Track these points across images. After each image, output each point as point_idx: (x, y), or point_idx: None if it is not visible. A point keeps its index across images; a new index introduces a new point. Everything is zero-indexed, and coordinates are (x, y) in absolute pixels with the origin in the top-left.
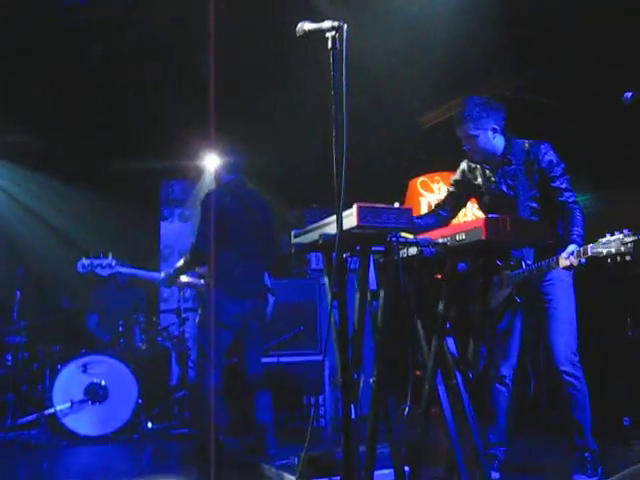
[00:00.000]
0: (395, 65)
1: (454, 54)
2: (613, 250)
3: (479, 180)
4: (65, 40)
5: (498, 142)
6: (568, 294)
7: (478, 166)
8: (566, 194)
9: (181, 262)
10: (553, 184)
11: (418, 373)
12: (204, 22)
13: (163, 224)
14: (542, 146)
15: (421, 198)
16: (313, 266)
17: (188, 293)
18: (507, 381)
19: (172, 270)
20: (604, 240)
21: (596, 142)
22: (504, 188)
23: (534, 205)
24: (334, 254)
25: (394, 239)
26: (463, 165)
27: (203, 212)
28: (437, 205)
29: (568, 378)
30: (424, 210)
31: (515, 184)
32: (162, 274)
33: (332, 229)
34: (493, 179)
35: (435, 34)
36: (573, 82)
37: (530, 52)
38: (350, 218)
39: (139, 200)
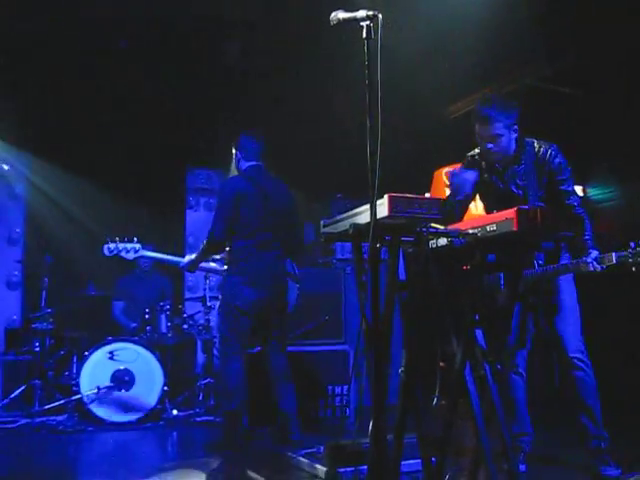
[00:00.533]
0: (422, 55)
1: (481, 45)
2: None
3: (485, 177)
4: (87, 27)
5: (514, 141)
6: (571, 285)
7: (483, 163)
8: (572, 197)
9: (200, 249)
10: (561, 187)
11: (442, 364)
12: (231, 7)
13: (189, 212)
14: (551, 148)
15: (446, 188)
16: (338, 255)
17: (214, 281)
18: (520, 370)
19: (194, 256)
20: (630, 250)
21: (620, 134)
22: (513, 187)
23: (542, 205)
24: (364, 244)
25: (425, 230)
26: (467, 163)
27: (220, 200)
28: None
29: (580, 364)
30: None
31: (525, 184)
32: (185, 259)
33: (362, 219)
34: (503, 178)
35: (463, 24)
36: (600, 73)
37: (558, 42)
38: (381, 208)
39: (165, 188)
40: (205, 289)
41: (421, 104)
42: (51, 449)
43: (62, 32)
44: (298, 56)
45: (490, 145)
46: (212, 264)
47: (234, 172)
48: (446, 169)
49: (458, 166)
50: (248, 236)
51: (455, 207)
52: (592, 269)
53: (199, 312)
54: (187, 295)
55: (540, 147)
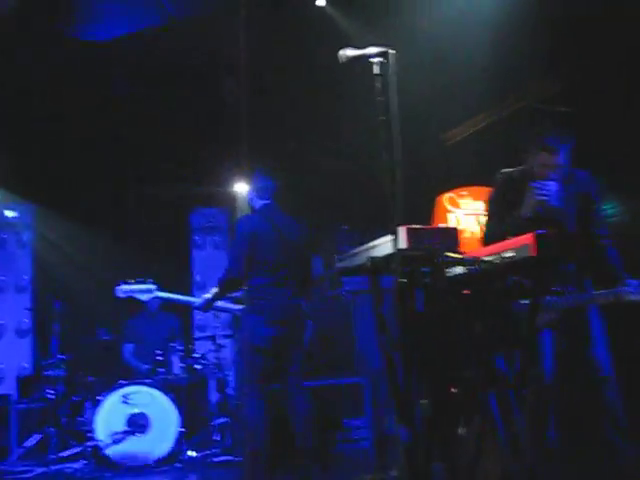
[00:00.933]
0: (419, 81)
1: (478, 70)
2: None
3: (525, 199)
4: (88, 70)
5: None
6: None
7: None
8: (603, 226)
9: (216, 288)
10: (594, 215)
11: (454, 390)
12: (235, 46)
13: (195, 251)
14: (589, 175)
15: (449, 214)
16: (347, 287)
17: (223, 319)
18: None
19: (209, 296)
20: None
21: (621, 149)
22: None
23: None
24: (383, 277)
25: (443, 260)
26: (504, 180)
27: (235, 238)
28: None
29: (613, 384)
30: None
31: (565, 210)
32: (199, 299)
33: (378, 252)
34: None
35: (458, 52)
36: (596, 89)
37: (554, 62)
38: (398, 241)
39: (170, 229)
40: (215, 327)
41: (419, 131)
42: None
43: (62, 81)
44: (306, 90)
45: (553, 174)
46: (220, 302)
47: (245, 209)
48: (447, 194)
49: (459, 190)
50: (264, 274)
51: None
52: (633, 299)
53: (210, 351)
54: (197, 334)
55: (575, 173)
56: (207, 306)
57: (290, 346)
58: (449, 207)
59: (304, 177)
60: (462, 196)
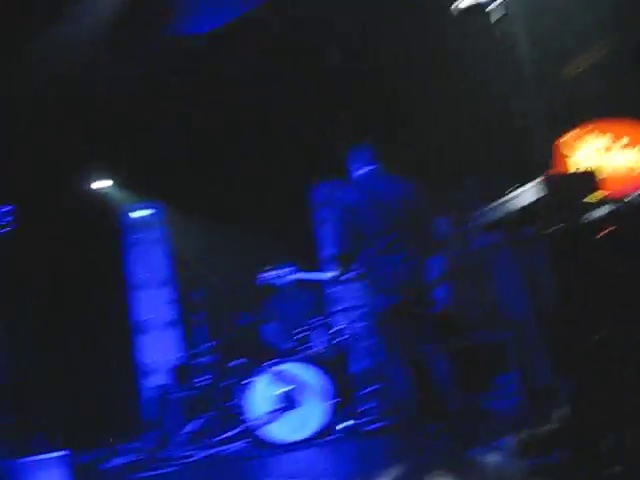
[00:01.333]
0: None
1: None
2: None
3: None
4: (201, 66)
5: None
6: None
7: None
8: None
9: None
10: None
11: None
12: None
13: (320, 226)
14: None
15: (567, 159)
16: (478, 243)
17: (357, 288)
18: None
19: (334, 273)
20: None
21: None
22: None
23: None
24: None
25: (587, 204)
26: None
27: (335, 215)
28: None
29: None
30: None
31: None
32: (328, 274)
33: (518, 203)
34: None
35: None
36: None
37: None
38: (537, 190)
39: (292, 207)
40: (351, 299)
41: (537, 68)
42: (233, 478)
43: (182, 82)
44: (423, 44)
45: None
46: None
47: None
48: (568, 135)
49: (582, 128)
50: (371, 244)
51: None
52: None
53: (348, 323)
54: (335, 307)
55: None
56: (335, 281)
57: (411, 311)
58: (566, 153)
59: (428, 134)
60: (588, 132)
